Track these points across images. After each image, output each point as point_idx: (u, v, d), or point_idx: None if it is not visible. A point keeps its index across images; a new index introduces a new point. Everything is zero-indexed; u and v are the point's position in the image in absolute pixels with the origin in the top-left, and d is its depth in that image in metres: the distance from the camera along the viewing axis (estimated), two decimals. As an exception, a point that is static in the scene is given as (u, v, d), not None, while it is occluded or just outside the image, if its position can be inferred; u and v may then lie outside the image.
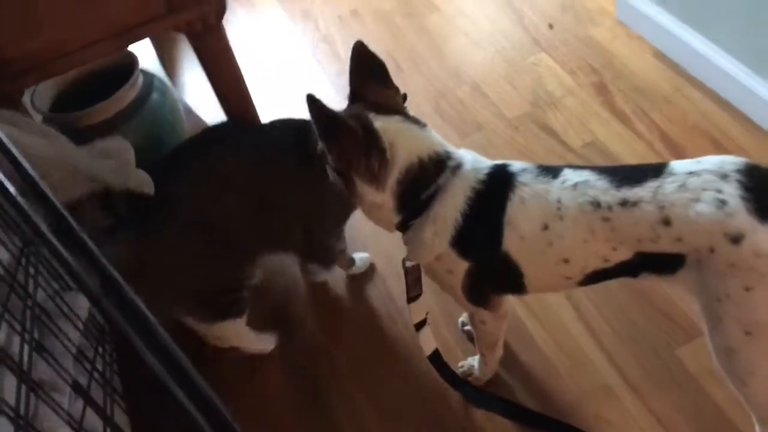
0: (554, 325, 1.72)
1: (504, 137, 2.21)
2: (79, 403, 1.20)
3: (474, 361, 1.63)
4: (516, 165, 1.26)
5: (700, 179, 1.07)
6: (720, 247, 1.05)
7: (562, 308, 1.74)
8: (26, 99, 1.72)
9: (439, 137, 1.29)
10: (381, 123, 1.22)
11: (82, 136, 1.77)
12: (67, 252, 0.91)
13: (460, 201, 1.24)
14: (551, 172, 1.22)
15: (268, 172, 1.57)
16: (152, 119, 1.87)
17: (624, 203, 1.11)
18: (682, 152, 2.04)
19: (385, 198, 1.26)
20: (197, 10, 1.58)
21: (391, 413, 1.65)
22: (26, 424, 1.00)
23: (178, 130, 1.97)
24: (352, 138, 1.19)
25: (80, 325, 1.35)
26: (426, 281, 1.47)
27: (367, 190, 1.25)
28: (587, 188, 1.15)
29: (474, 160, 1.28)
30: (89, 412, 1.20)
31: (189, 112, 2.31)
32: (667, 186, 1.09)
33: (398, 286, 1.85)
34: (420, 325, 1.59)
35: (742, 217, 1.03)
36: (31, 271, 1.21)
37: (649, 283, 1.23)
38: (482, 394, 1.61)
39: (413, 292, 1.53)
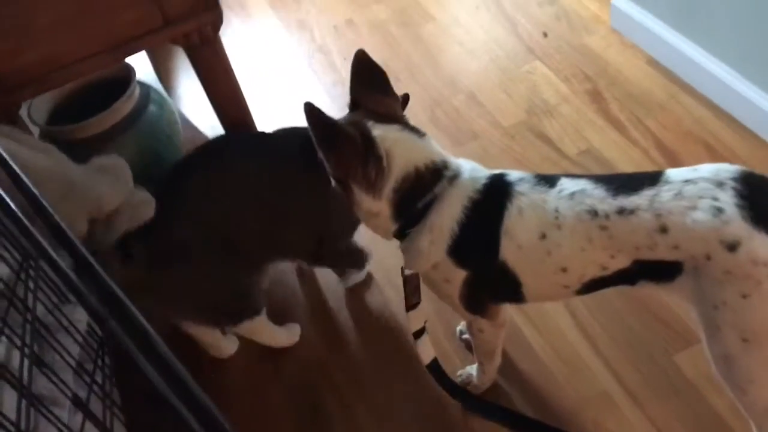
0: (552, 333, 1.73)
1: (500, 145, 2.22)
2: (79, 417, 1.20)
3: (472, 369, 1.64)
4: (513, 174, 1.26)
5: (696, 187, 1.08)
6: (716, 255, 1.05)
7: (559, 315, 1.75)
8: (23, 112, 1.73)
9: (437, 147, 1.30)
10: (379, 131, 1.23)
11: (79, 148, 1.78)
12: (67, 266, 0.91)
13: (457, 210, 1.24)
14: (548, 181, 1.22)
15: (276, 181, 1.57)
16: (149, 131, 1.87)
17: (621, 211, 1.12)
18: (676, 158, 2.05)
19: (381, 206, 1.26)
20: (194, 23, 1.59)
21: (390, 423, 1.65)
22: (27, 439, 1.00)
23: (176, 141, 1.97)
24: (350, 146, 1.19)
25: (79, 338, 1.34)
26: (424, 290, 1.48)
27: (364, 198, 1.25)
28: (584, 197, 1.16)
29: (472, 170, 1.28)
30: (89, 425, 1.20)
31: (186, 123, 2.32)
32: (663, 194, 1.09)
33: (396, 296, 1.86)
34: (419, 334, 1.59)
35: (738, 225, 1.04)
36: (31, 285, 1.21)
37: (646, 291, 1.23)
38: (481, 402, 1.61)
39: (412, 301, 1.53)
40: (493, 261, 1.24)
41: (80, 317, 1.38)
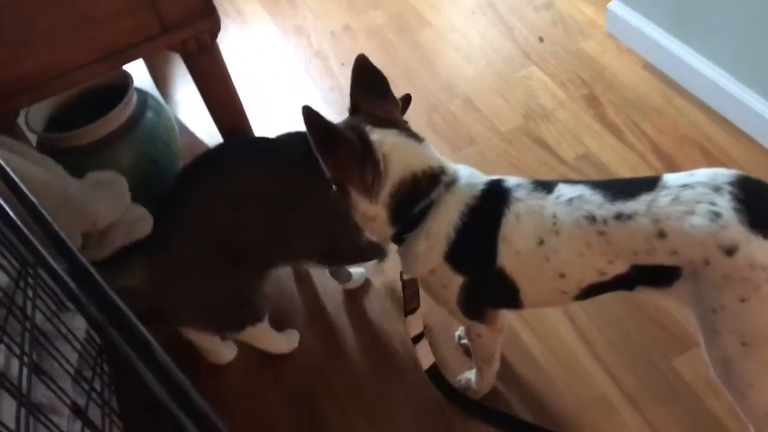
0: (550, 337, 1.73)
1: (497, 151, 2.22)
2: (78, 425, 1.20)
3: (471, 374, 1.64)
4: (511, 180, 1.27)
5: (694, 192, 1.08)
6: (715, 259, 1.06)
7: (557, 320, 1.75)
8: (20, 119, 1.73)
9: (435, 152, 1.30)
10: (377, 136, 1.23)
11: (76, 155, 1.78)
12: (66, 275, 0.91)
13: (454, 216, 1.25)
14: (546, 187, 1.23)
15: (281, 185, 1.57)
16: (147, 138, 1.87)
17: (619, 217, 1.12)
18: (673, 162, 2.05)
19: (378, 210, 1.27)
20: (192, 30, 1.59)
21: (389, 429, 1.65)
22: (26, 448, 1.00)
23: (173, 148, 1.97)
24: (348, 149, 1.20)
25: (78, 346, 1.34)
26: (423, 294, 1.48)
27: (361, 202, 1.26)
28: (582, 203, 1.16)
29: (469, 176, 1.29)
30: (88, 433, 1.20)
31: (183, 129, 2.32)
32: (661, 199, 1.10)
33: (394, 302, 1.86)
34: (417, 339, 1.59)
35: (735, 229, 1.04)
36: (30, 293, 1.21)
37: (644, 296, 1.24)
38: (480, 407, 1.61)
39: (411, 305, 1.53)
40: (490, 267, 1.24)
41: (79, 325, 1.38)
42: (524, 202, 1.22)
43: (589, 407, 1.60)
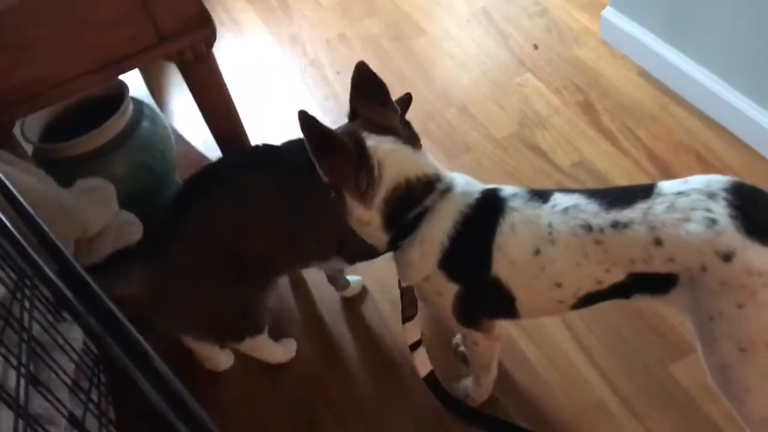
0: (547, 344, 1.73)
1: (493, 158, 2.23)
2: (75, 436, 1.20)
3: (469, 381, 1.63)
4: (507, 190, 1.27)
5: (689, 199, 1.09)
6: (712, 266, 1.06)
7: (554, 327, 1.75)
8: (16, 130, 1.73)
9: (431, 160, 1.30)
10: (373, 141, 1.23)
11: (72, 165, 1.78)
12: (65, 286, 0.91)
13: (448, 224, 1.25)
14: (541, 196, 1.23)
15: (288, 190, 1.56)
16: (143, 147, 1.88)
17: (615, 225, 1.12)
18: (668, 169, 2.06)
19: (372, 215, 1.27)
20: (188, 40, 1.60)
21: (387, 437, 1.65)
22: (24, 459, 0.99)
23: (169, 157, 1.98)
24: (343, 154, 1.20)
25: (75, 357, 1.34)
26: (421, 302, 1.48)
27: (355, 206, 1.26)
28: (578, 212, 1.16)
29: (465, 184, 1.29)
30: (85, 444, 1.20)
31: (178, 138, 2.32)
32: (656, 207, 1.10)
33: (391, 310, 1.86)
34: (415, 346, 1.59)
35: (732, 235, 1.05)
36: (27, 304, 1.21)
37: (641, 303, 1.24)
38: (478, 414, 1.61)
39: (409, 313, 1.53)
40: (485, 276, 1.24)
41: (75, 335, 1.38)
42: (520, 211, 1.22)
43: (586, 414, 1.60)
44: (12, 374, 1.10)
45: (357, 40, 2.84)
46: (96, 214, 1.50)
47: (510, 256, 1.22)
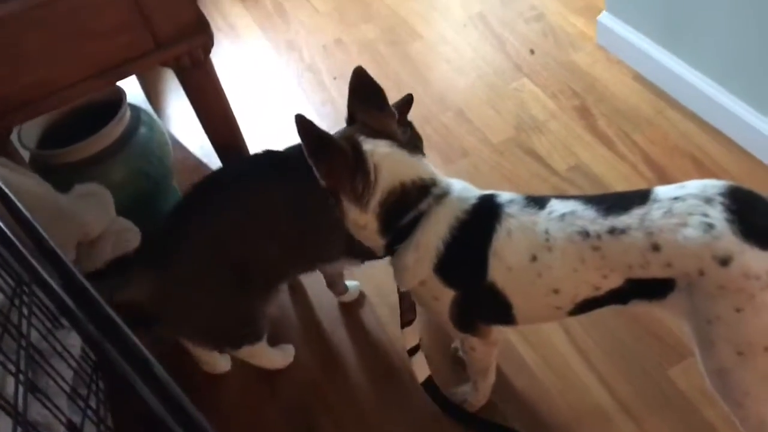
0: (545, 348, 1.73)
1: (489, 162, 2.23)
2: (74, 443, 1.20)
3: (467, 387, 1.64)
4: (503, 196, 1.27)
5: (686, 204, 1.09)
6: (709, 270, 1.06)
7: (552, 331, 1.75)
8: (13, 136, 1.73)
9: (428, 165, 1.31)
10: (370, 146, 1.24)
11: (69, 171, 1.78)
12: (63, 292, 0.91)
13: (443, 228, 1.25)
14: (538, 203, 1.23)
15: (296, 195, 1.54)
16: (140, 153, 1.87)
17: (612, 231, 1.13)
18: (664, 173, 2.07)
19: (368, 219, 1.27)
20: (185, 46, 1.60)
21: (386, 442, 1.65)
22: (23, 467, 0.99)
23: (166, 163, 1.97)
24: (340, 157, 1.21)
25: (73, 363, 1.34)
26: (419, 307, 1.48)
27: (351, 210, 1.27)
28: (575, 218, 1.17)
29: (462, 190, 1.29)
30: (84, 451, 1.20)
31: (175, 144, 2.32)
32: (653, 212, 1.10)
33: (389, 315, 1.86)
34: (413, 351, 1.59)
35: (729, 239, 1.05)
36: (25, 311, 1.21)
37: (639, 308, 1.24)
38: (476, 419, 1.61)
39: (407, 317, 1.53)
40: (481, 282, 1.25)
41: (74, 342, 1.38)
42: (516, 218, 1.22)
43: (584, 418, 1.60)
44: (10, 381, 1.09)
45: (354, 46, 2.85)
46: (95, 217, 1.50)
47: (506, 262, 1.22)
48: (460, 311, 1.34)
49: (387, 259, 1.37)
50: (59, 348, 1.31)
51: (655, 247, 1.09)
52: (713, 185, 1.11)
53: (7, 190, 1.05)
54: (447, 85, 2.57)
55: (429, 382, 1.61)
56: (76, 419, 1.27)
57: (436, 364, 1.72)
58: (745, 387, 1.14)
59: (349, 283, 1.92)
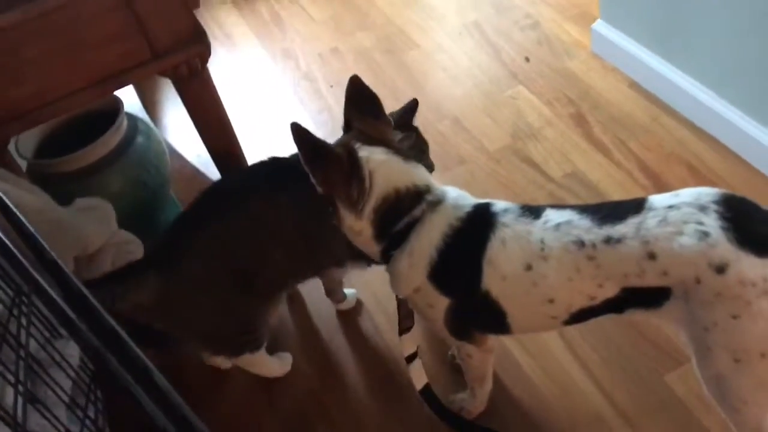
0: (543, 355, 1.74)
1: (486, 170, 2.24)
2: (73, 453, 1.19)
3: (464, 394, 1.64)
4: (499, 205, 1.28)
5: (680, 212, 1.10)
6: (706, 278, 1.07)
7: (550, 338, 1.76)
8: (10, 146, 1.73)
9: (423, 172, 1.32)
10: (365, 153, 1.25)
11: (67, 181, 1.78)
12: (64, 302, 0.91)
13: (436, 236, 1.26)
14: (533, 212, 1.24)
15: (303, 201, 1.52)
16: (137, 163, 1.88)
17: (608, 240, 1.13)
18: (660, 179, 2.08)
19: (363, 225, 1.28)
20: (183, 55, 1.60)
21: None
22: (22, 478, 0.99)
23: (163, 172, 1.98)
24: (336, 165, 1.22)
25: (72, 373, 1.34)
26: (417, 314, 1.49)
27: (347, 216, 1.28)
28: (570, 228, 1.17)
29: (457, 197, 1.30)
30: (83, 461, 1.20)
31: (172, 153, 2.32)
32: (649, 221, 1.11)
33: (386, 322, 1.86)
34: (411, 358, 1.59)
35: (724, 247, 1.06)
36: (24, 321, 1.21)
37: (636, 317, 1.25)
38: (474, 426, 1.61)
39: (405, 324, 1.54)
40: (475, 290, 1.25)
41: (72, 352, 1.38)
42: (511, 227, 1.23)
43: (582, 424, 1.60)
44: (10, 392, 1.09)
45: (350, 54, 2.86)
46: (95, 231, 1.51)
47: (501, 271, 1.22)
48: (455, 319, 1.34)
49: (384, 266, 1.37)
50: (58, 358, 1.31)
51: (651, 256, 1.10)
52: (707, 193, 1.12)
53: (7, 201, 1.05)
54: (443, 94, 2.58)
55: (427, 390, 1.61)
56: (75, 429, 1.26)
57: (434, 371, 1.72)
58: (742, 393, 1.15)
59: (346, 291, 1.92)
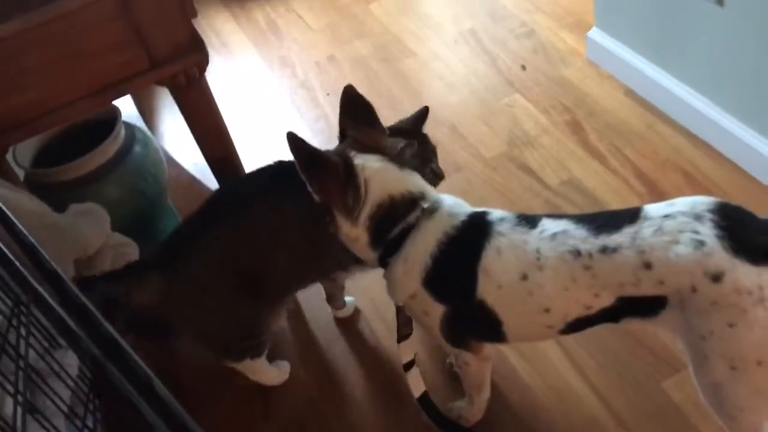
0: (540, 361, 1.74)
1: (483, 177, 2.25)
2: (72, 463, 1.20)
3: (462, 402, 1.64)
4: (495, 214, 1.28)
5: (676, 222, 1.10)
6: (702, 286, 1.07)
7: (547, 344, 1.76)
8: (8, 155, 1.73)
9: (418, 179, 1.33)
10: (360, 161, 1.27)
11: (65, 189, 1.78)
12: (63, 311, 0.92)
13: (431, 243, 1.26)
14: (530, 221, 1.24)
15: (309, 207, 1.56)
16: (135, 171, 1.88)
17: (604, 250, 1.14)
18: (656, 187, 2.08)
19: (359, 232, 1.29)
20: (181, 64, 1.61)
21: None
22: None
23: (161, 180, 1.98)
24: (332, 173, 1.23)
25: (71, 383, 1.34)
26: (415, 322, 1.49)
27: (343, 223, 1.29)
28: (567, 237, 1.18)
29: (452, 205, 1.31)
30: (82, 471, 1.20)
31: (169, 161, 2.33)
32: (644, 230, 1.12)
33: (384, 329, 1.87)
34: (409, 366, 1.59)
35: (720, 255, 1.07)
36: (23, 331, 1.21)
37: (631, 326, 1.25)
38: (472, 434, 1.62)
39: (404, 331, 1.54)
40: (470, 299, 1.26)
41: (71, 362, 1.38)
42: (506, 236, 1.23)
43: (579, 430, 1.60)
44: (9, 402, 1.09)
45: (346, 62, 2.87)
46: (93, 233, 1.52)
47: (496, 280, 1.23)
48: (450, 327, 1.35)
49: (382, 273, 1.38)
50: (56, 368, 1.31)
51: (647, 265, 1.11)
52: (702, 202, 1.13)
53: (6, 210, 1.05)
54: (440, 101, 2.58)
55: (425, 398, 1.61)
56: (74, 438, 1.27)
57: (432, 379, 1.72)
58: (739, 401, 1.15)
59: (345, 298, 1.92)
